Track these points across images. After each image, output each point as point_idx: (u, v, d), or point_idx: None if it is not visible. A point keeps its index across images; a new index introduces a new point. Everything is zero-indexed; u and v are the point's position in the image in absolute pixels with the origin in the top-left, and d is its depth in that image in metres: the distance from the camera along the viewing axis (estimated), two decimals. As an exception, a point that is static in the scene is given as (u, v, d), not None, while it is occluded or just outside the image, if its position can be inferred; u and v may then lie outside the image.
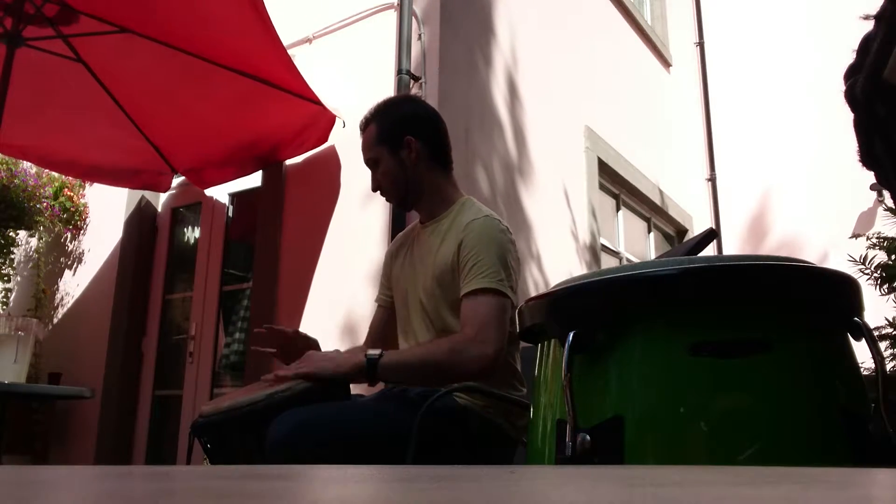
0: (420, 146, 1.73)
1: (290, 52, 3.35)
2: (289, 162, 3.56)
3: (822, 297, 1.01)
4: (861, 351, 1.01)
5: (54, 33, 3.02)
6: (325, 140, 3.34)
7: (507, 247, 1.63)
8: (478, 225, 1.63)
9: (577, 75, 4.56)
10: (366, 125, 1.79)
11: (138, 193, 4.32)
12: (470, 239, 1.61)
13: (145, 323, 4.23)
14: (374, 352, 1.53)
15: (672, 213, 5.91)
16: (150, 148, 3.73)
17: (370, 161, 1.77)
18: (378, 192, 1.80)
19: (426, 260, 1.71)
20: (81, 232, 4.59)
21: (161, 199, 4.43)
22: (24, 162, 4.27)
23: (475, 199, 1.80)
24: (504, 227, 1.67)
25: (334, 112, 3.19)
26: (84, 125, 3.66)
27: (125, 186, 4.22)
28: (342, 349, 1.94)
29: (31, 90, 3.24)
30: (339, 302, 3.14)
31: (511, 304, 1.57)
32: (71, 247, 4.64)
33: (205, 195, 4.13)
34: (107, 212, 4.44)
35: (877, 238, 3.14)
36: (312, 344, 1.78)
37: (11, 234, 4.49)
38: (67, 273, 4.59)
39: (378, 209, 3.14)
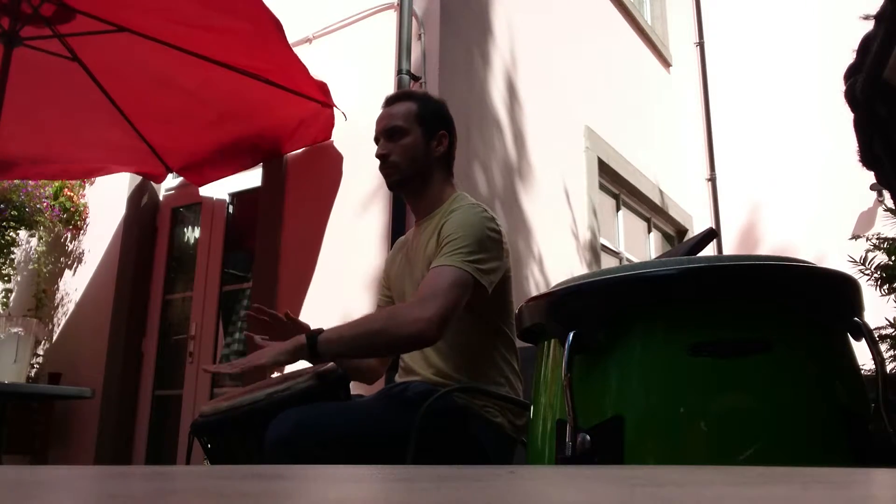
0: (447, 144, 1.81)
1: (289, 52, 3.33)
2: (289, 159, 3.56)
3: (822, 297, 1.01)
4: (861, 351, 1.01)
5: (51, 33, 3.02)
6: (328, 136, 3.34)
7: (484, 231, 1.63)
8: (459, 211, 1.68)
9: (577, 75, 4.56)
10: (399, 99, 1.83)
11: (138, 193, 4.32)
12: (449, 223, 1.65)
13: (145, 323, 4.23)
14: (315, 329, 1.56)
15: (672, 213, 5.91)
16: (146, 147, 3.73)
17: (396, 129, 1.76)
18: (382, 159, 1.77)
19: (418, 254, 1.74)
20: (81, 232, 4.59)
21: (161, 199, 4.43)
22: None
23: (469, 195, 1.82)
24: (488, 215, 1.68)
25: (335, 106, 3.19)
26: (80, 125, 3.64)
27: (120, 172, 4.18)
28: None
29: (28, 89, 3.23)
30: (338, 302, 3.13)
31: (474, 283, 1.55)
32: (71, 247, 4.63)
33: (205, 195, 4.13)
34: (107, 212, 4.44)
35: (877, 239, 3.14)
36: (304, 328, 1.74)
37: (11, 234, 4.49)
38: (67, 273, 4.58)
39: (379, 210, 3.14)
